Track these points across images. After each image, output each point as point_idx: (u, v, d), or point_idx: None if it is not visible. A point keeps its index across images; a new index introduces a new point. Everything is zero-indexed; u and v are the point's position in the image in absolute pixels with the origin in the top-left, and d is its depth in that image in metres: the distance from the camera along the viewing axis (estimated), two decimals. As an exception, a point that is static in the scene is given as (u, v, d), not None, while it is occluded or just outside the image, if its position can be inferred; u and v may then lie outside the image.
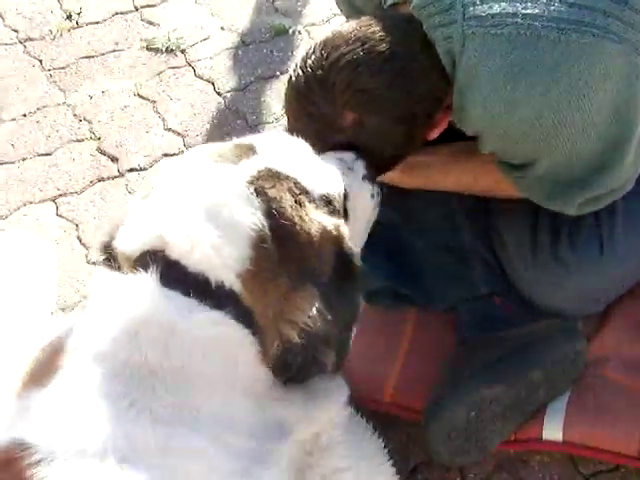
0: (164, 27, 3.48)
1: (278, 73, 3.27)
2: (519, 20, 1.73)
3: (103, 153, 3.01)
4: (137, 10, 3.58)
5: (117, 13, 3.57)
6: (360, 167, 1.80)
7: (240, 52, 3.39)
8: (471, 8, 1.77)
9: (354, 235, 1.69)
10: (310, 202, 1.57)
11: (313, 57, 1.84)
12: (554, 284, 2.07)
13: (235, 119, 3.11)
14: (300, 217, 1.52)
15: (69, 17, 3.55)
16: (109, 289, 1.53)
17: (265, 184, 1.51)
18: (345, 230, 1.61)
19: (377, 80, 1.80)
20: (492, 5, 1.76)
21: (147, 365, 1.44)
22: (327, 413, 1.65)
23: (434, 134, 1.95)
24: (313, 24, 3.47)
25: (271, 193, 1.51)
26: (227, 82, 3.25)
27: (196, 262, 1.46)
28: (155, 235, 1.49)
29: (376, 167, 1.85)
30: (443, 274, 2.16)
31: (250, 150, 1.59)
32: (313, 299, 1.52)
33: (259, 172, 1.53)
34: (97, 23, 3.53)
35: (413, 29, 1.83)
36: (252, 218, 1.48)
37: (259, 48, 3.39)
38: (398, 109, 1.83)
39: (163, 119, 3.12)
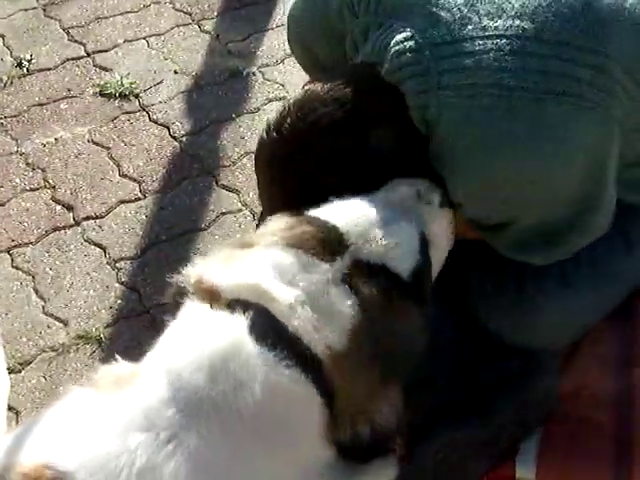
0: (117, 72, 3.46)
1: (234, 115, 3.25)
2: (496, 91, 1.71)
3: (58, 202, 2.97)
4: (89, 56, 3.55)
5: (69, 59, 3.54)
6: (436, 197, 1.78)
7: (194, 95, 3.37)
8: (447, 76, 1.74)
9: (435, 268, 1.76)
10: (401, 292, 1.59)
11: (289, 119, 1.79)
12: (520, 320, 2.06)
13: (192, 163, 3.09)
14: (393, 313, 1.56)
15: (20, 64, 3.51)
16: (199, 320, 1.54)
17: (358, 281, 1.55)
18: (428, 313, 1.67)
19: (360, 143, 1.77)
20: (469, 74, 1.72)
21: (214, 397, 1.44)
22: None
23: None
24: (267, 65, 3.47)
25: (364, 290, 1.54)
26: (182, 126, 3.23)
27: (294, 327, 1.48)
28: (257, 287, 1.52)
29: None
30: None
31: (339, 243, 1.60)
32: (396, 399, 1.55)
33: (349, 268, 1.56)
34: (49, 70, 3.50)
35: (390, 90, 1.79)
36: (349, 310, 1.51)
37: (213, 91, 3.38)
38: (379, 171, 1.79)
39: (118, 165, 3.08)
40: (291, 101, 1.83)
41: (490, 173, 1.76)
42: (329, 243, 1.60)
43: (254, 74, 3.43)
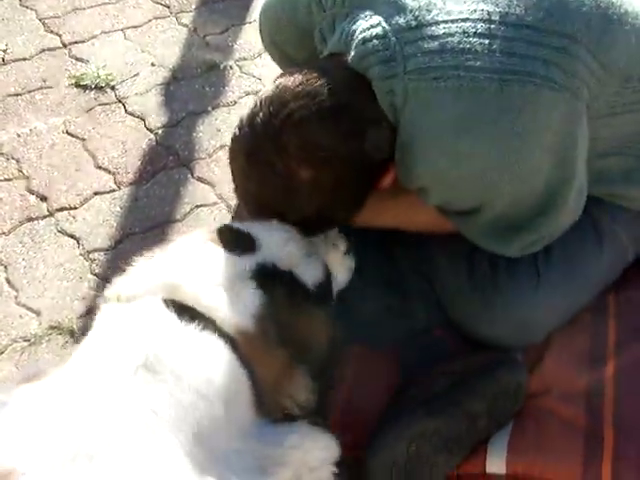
0: (93, 63, 3.44)
1: (210, 108, 3.24)
2: (461, 72, 1.71)
3: (32, 192, 2.95)
4: (65, 46, 3.53)
5: (45, 49, 3.52)
6: (341, 243, 1.97)
7: (171, 88, 3.36)
8: (412, 60, 1.75)
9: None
10: (304, 296, 1.75)
11: (261, 114, 1.78)
12: (492, 315, 2.07)
13: (167, 155, 3.08)
14: (295, 311, 1.71)
15: (-5, 54, 3.49)
16: (117, 312, 1.66)
17: (263, 279, 1.69)
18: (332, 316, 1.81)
19: (332, 136, 1.77)
20: (434, 57, 1.73)
21: (151, 364, 1.52)
22: (303, 454, 1.68)
23: (387, 181, 1.92)
24: (244, 59, 3.47)
25: (269, 288, 1.68)
26: (158, 118, 3.22)
27: (202, 307, 1.62)
28: (163, 282, 1.66)
29: (333, 220, 1.94)
30: (382, 308, 2.14)
31: (251, 244, 1.77)
32: (307, 384, 1.69)
33: (258, 265, 1.71)
34: (24, 60, 3.47)
35: (360, 79, 1.80)
36: (254, 300, 1.66)
37: (190, 83, 3.37)
38: (354, 162, 1.81)
39: (93, 157, 3.07)
40: (263, 96, 1.82)
41: (455, 155, 1.77)
42: (241, 242, 1.76)
43: (231, 67, 3.43)
